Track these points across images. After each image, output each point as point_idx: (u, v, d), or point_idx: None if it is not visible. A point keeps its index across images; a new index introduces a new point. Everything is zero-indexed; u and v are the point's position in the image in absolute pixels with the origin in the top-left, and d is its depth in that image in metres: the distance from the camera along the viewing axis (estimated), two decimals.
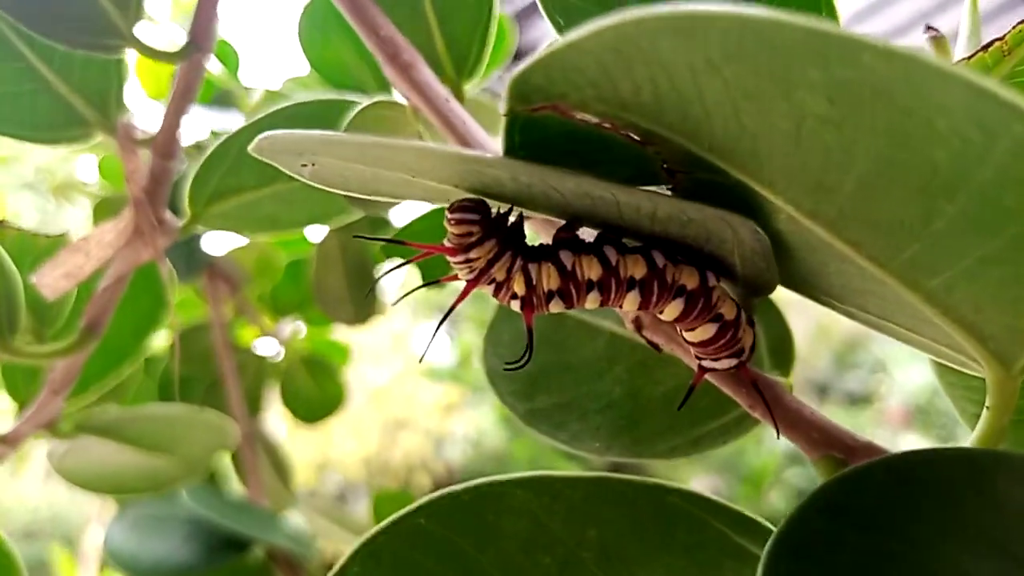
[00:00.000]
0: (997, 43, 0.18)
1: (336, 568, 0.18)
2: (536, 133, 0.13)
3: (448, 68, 0.24)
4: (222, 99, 0.53)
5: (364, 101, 0.25)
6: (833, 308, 0.17)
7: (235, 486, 0.55)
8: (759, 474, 1.73)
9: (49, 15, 0.23)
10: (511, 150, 0.14)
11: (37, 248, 0.28)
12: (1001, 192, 0.11)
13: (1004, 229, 0.12)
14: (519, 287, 0.16)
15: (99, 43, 0.23)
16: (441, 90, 0.21)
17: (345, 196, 0.18)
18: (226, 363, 0.57)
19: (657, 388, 0.21)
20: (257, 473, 0.53)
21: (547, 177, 0.14)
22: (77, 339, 0.28)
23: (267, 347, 0.70)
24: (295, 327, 0.71)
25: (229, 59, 0.58)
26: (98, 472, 0.35)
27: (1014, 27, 0.17)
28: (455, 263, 0.16)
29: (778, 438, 0.17)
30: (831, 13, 0.18)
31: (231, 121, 0.52)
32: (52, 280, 0.24)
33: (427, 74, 0.21)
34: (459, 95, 0.24)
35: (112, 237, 0.25)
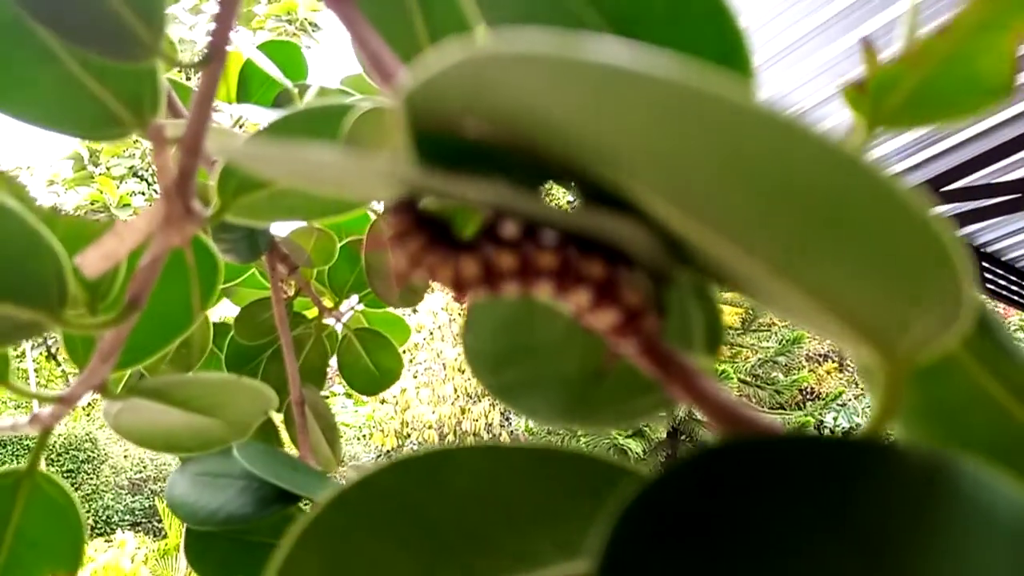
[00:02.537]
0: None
1: (316, 510, 0.19)
2: (440, 146, 0.14)
3: None
4: (282, 99, 0.55)
5: (365, 106, 0.26)
6: (748, 298, 0.17)
7: (287, 447, 0.57)
8: None
9: (83, 29, 0.25)
10: (420, 161, 0.15)
11: (88, 233, 0.30)
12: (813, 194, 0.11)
13: (841, 225, 0.12)
14: (447, 275, 0.17)
15: (129, 54, 0.25)
16: None
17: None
18: (284, 336, 0.59)
19: (606, 375, 0.21)
20: (307, 436, 0.55)
21: (456, 187, 0.14)
22: (121, 312, 0.30)
23: (329, 323, 0.73)
24: (353, 305, 0.73)
25: (294, 62, 0.60)
26: (149, 430, 0.37)
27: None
28: (395, 254, 0.17)
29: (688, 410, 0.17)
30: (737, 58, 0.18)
31: None
32: (92, 261, 0.26)
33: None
34: None
35: (144, 224, 0.27)
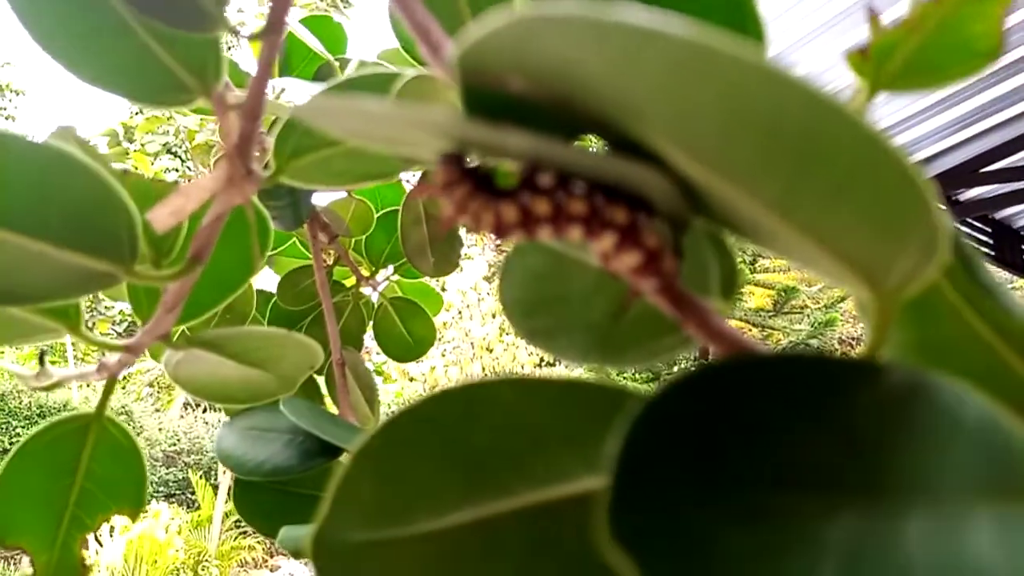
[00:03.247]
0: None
1: (368, 435, 0.22)
2: (489, 100, 0.16)
3: None
4: (322, 73, 0.57)
5: (410, 74, 0.29)
6: (753, 242, 0.20)
7: (328, 405, 0.60)
8: None
9: (156, 2, 0.27)
10: (470, 114, 0.17)
11: (153, 192, 0.33)
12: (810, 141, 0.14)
13: (833, 169, 0.14)
14: (490, 221, 0.19)
15: (195, 25, 0.27)
16: None
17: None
18: (325, 301, 0.62)
19: (627, 312, 0.24)
20: (347, 395, 0.58)
21: (501, 138, 0.17)
22: (185, 266, 0.32)
23: (367, 292, 0.76)
24: (389, 275, 0.76)
25: (334, 37, 0.63)
26: (205, 381, 0.40)
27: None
28: (443, 202, 0.19)
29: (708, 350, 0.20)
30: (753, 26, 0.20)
31: None
32: (161, 217, 0.29)
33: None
34: None
35: (209, 184, 0.29)
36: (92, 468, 0.39)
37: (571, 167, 0.18)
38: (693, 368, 0.15)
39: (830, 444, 0.14)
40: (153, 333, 0.35)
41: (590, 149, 0.17)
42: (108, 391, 0.39)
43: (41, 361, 0.42)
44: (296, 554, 0.47)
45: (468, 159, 0.19)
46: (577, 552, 0.19)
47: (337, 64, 0.58)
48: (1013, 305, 0.19)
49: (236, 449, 0.52)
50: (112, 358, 0.38)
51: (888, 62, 0.19)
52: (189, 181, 0.28)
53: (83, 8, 0.28)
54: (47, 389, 0.42)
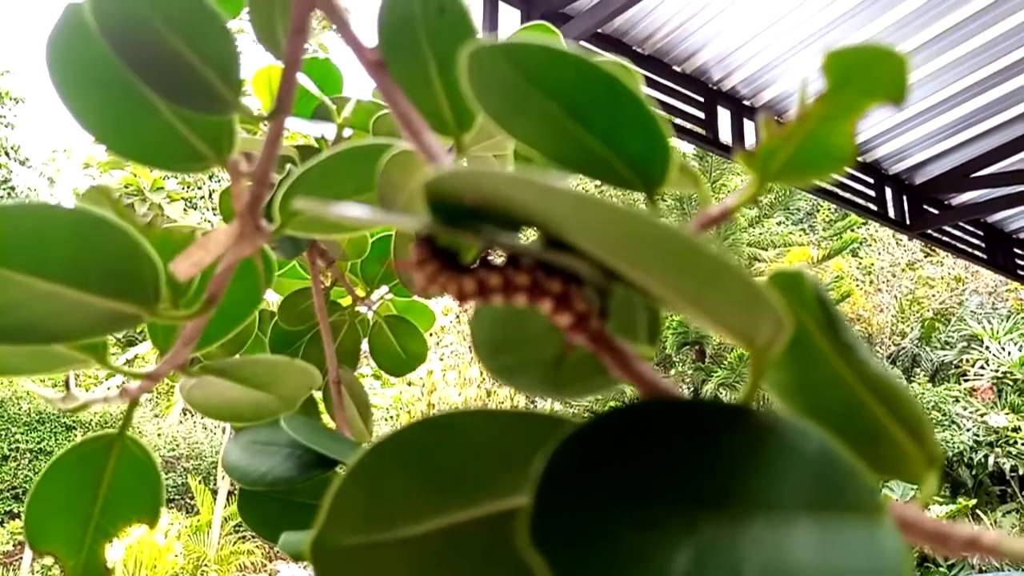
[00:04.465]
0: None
1: (360, 455, 0.26)
2: (451, 208, 0.22)
3: (452, 126, 0.33)
4: (319, 112, 0.62)
5: (398, 147, 0.34)
6: (662, 306, 0.25)
7: (325, 420, 0.65)
8: None
9: (179, 89, 0.32)
10: (434, 217, 0.22)
11: (173, 243, 0.38)
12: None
13: (701, 269, 0.20)
14: (453, 290, 0.24)
15: (212, 108, 0.33)
16: (440, 149, 0.30)
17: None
18: (323, 323, 0.67)
19: (574, 355, 0.29)
20: (343, 412, 0.63)
21: (459, 233, 0.22)
22: (201, 307, 0.37)
23: (361, 311, 0.81)
24: (383, 294, 0.81)
25: (330, 79, 0.68)
26: (216, 403, 0.45)
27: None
28: (416, 275, 0.24)
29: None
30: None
31: (326, 130, 0.62)
32: (183, 268, 0.34)
33: (429, 136, 0.30)
34: (460, 145, 0.33)
35: (224, 238, 0.35)
36: (114, 482, 0.44)
37: (517, 250, 0.23)
38: (603, 409, 0.20)
39: (698, 470, 0.19)
40: (172, 363, 0.40)
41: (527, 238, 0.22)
42: (130, 414, 0.44)
43: (67, 385, 0.47)
44: (296, 557, 0.52)
45: (436, 240, 0.24)
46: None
47: (333, 105, 0.63)
48: (869, 356, 0.24)
49: (241, 461, 0.57)
50: (133, 384, 0.43)
51: (771, 163, 0.25)
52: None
53: (117, 92, 0.34)
54: (73, 411, 0.47)
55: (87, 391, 0.48)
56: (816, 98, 0.23)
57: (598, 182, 0.28)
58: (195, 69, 0.33)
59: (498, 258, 0.24)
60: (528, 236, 0.25)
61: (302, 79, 0.67)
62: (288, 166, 0.43)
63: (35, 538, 0.44)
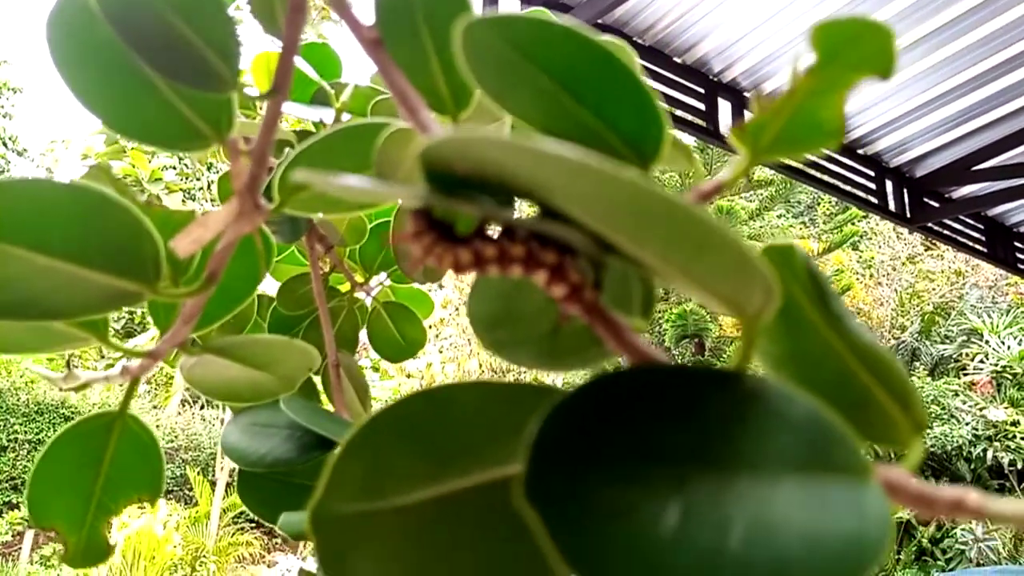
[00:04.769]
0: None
1: (356, 428, 0.27)
2: (447, 178, 0.22)
3: (449, 104, 0.33)
4: (318, 97, 0.63)
5: (396, 125, 0.34)
6: (653, 276, 0.25)
7: (324, 402, 0.66)
8: None
9: (180, 67, 0.33)
10: (430, 186, 0.22)
11: (173, 221, 0.39)
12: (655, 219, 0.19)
13: (686, 236, 0.20)
14: (449, 261, 0.25)
15: (212, 86, 0.33)
16: (436, 126, 0.30)
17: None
18: (321, 307, 0.68)
19: (569, 326, 0.29)
20: (342, 395, 0.64)
21: (454, 203, 0.22)
22: (201, 284, 0.38)
23: (361, 296, 0.81)
24: (382, 281, 0.81)
25: (329, 64, 0.68)
26: (216, 382, 0.46)
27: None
28: (413, 247, 0.25)
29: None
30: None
31: (325, 114, 0.62)
32: (183, 245, 0.34)
33: (426, 114, 0.30)
34: (456, 123, 0.33)
35: (224, 216, 0.35)
36: (116, 459, 0.45)
37: (512, 222, 0.24)
38: (596, 374, 0.21)
39: (687, 431, 0.20)
40: (172, 342, 0.40)
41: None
42: (130, 392, 0.44)
43: (68, 365, 0.48)
44: (295, 537, 0.53)
45: (432, 213, 0.25)
46: (517, 517, 0.25)
47: (332, 89, 0.63)
48: (859, 327, 0.25)
49: (240, 443, 0.58)
50: (134, 363, 0.43)
51: (761, 138, 0.25)
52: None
53: (118, 71, 0.34)
54: (75, 390, 0.48)
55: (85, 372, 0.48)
56: (805, 71, 0.23)
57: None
58: (195, 47, 0.33)
59: (494, 230, 0.24)
60: (524, 211, 0.26)
61: (301, 64, 0.67)
62: (287, 150, 0.43)
63: (38, 514, 0.45)
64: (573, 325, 0.30)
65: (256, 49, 0.70)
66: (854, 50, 0.22)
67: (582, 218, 0.21)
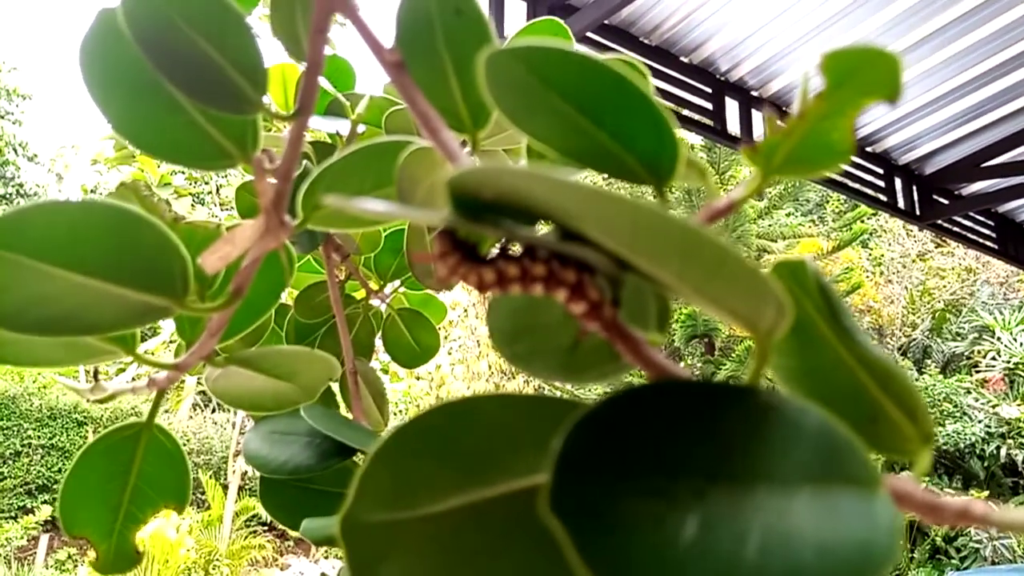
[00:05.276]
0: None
1: (384, 439, 0.28)
2: (472, 203, 0.23)
3: (468, 123, 0.34)
4: (333, 108, 0.64)
5: (416, 144, 0.35)
6: (670, 294, 0.26)
7: (343, 410, 0.67)
8: None
9: (206, 89, 0.34)
10: (455, 211, 0.24)
11: (200, 237, 0.40)
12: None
13: (697, 259, 0.21)
14: (474, 280, 0.26)
15: (238, 108, 0.34)
16: (457, 146, 0.31)
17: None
18: (338, 315, 0.69)
19: (588, 341, 0.30)
20: (360, 401, 0.65)
21: (479, 227, 0.23)
22: (227, 299, 0.39)
23: (376, 303, 0.83)
24: (396, 288, 0.82)
25: (343, 76, 0.69)
26: (240, 393, 0.47)
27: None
28: (438, 267, 0.26)
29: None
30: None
31: (341, 126, 0.63)
32: (211, 262, 0.35)
33: (447, 134, 0.31)
34: (475, 142, 0.34)
35: (250, 233, 0.36)
36: (143, 469, 0.46)
37: (533, 242, 0.25)
38: (618, 389, 0.22)
39: (706, 445, 0.21)
40: (198, 354, 0.42)
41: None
42: (157, 403, 0.46)
43: (95, 377, 0.49)
44: (317, 542, 0.54)
45: (457, 234, 0.26)
46: (541, 526, 0.26)
47: (347, 101, 0.65)
48: (868, 341, 0.26)
49: (261, 450, 0.59)
50: (161, 375, 0.45)
51: (774, 157, 0.26)
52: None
53: (146, 93, 0.35)
54: (101, 401, 0.49)
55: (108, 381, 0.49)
56: (815, 96, 0.24)
57: (607, 176, 0.29)
58: (223, 71, 0.34)
59: (514, 250, 0.25)
60: (543, 230, 0.27)
61: None
62: (304, 162, 0.44)
63: (69, 523, 0.46)
64: (592, 340, 0.31)
65: (269, 60, 0.72)
66: (862, 76, 0.23)
67: (602, 240, 0.22)
